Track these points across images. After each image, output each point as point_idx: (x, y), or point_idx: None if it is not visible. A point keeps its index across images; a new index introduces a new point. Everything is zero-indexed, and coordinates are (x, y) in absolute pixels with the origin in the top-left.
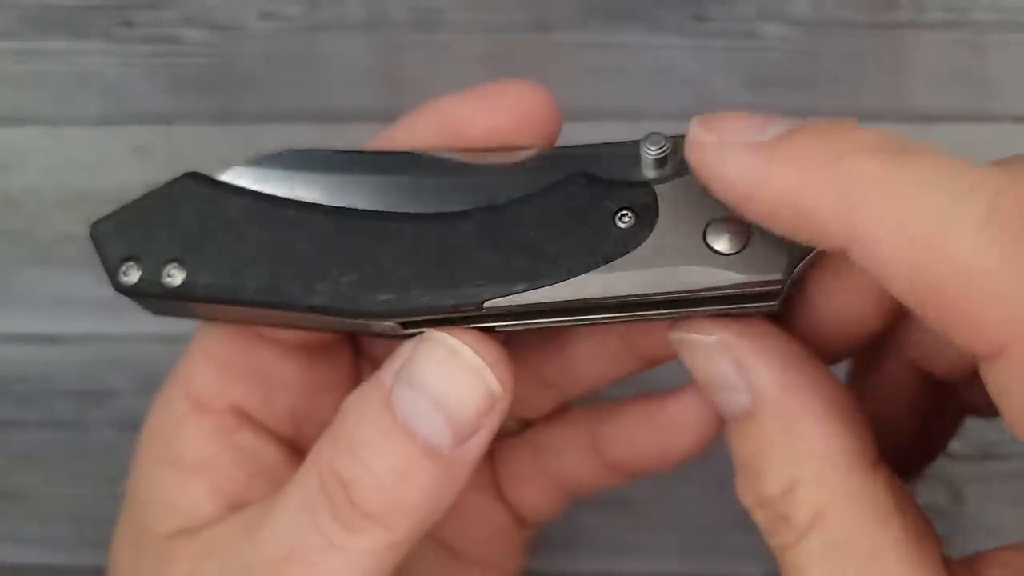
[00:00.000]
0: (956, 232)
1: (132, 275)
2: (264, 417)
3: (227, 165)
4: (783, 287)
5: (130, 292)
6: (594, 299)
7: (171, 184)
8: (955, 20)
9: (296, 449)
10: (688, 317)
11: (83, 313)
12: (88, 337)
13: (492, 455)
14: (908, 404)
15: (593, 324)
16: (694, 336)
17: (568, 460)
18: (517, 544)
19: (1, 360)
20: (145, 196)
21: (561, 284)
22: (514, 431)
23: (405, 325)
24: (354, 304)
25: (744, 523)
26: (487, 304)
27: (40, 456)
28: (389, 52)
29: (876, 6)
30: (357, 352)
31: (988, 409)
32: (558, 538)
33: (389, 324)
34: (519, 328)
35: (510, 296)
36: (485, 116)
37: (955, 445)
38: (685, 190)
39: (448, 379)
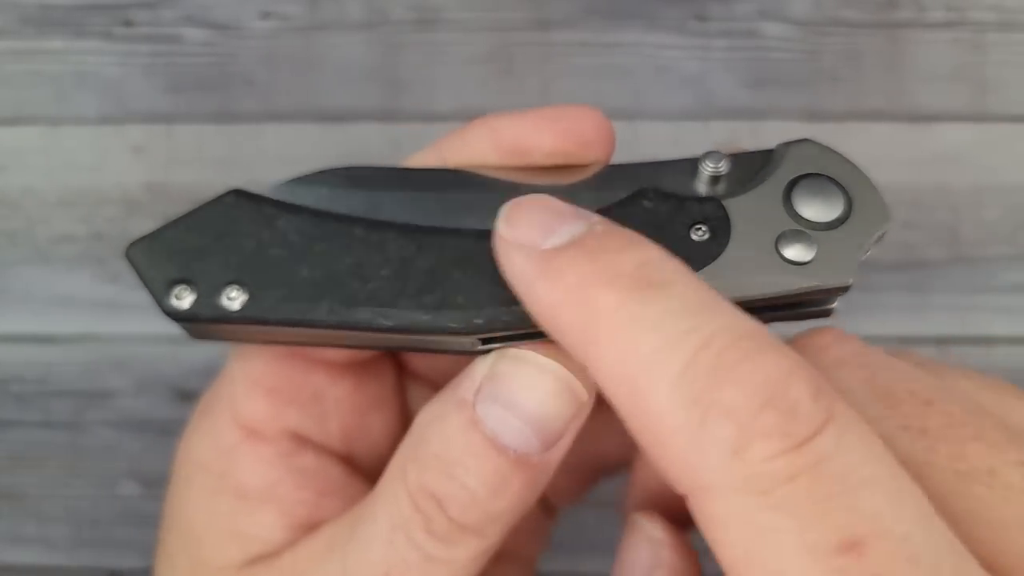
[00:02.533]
0: (654, 383)
1: (185, 298)
2: (320, 439)
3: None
4: (848, 289)
5: (183, 318)
6: None
7: (216, 201)
8: (955, 20)
9: (352, 466)
10: None
11: (82, 313)
12: (86, 337)
13: None
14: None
15: None
16: (648, 524)
17: (605, 444)
18: (544, 531)
19: None
20: (187, 215)
21: None
22: None
23: (484, 341)
24: (439, 323)
25: None
26: None
27: (38, 456)
28: (389, 52)
29: (876, 6)
30: (400, 368)
31: None
32: (558, 538)
33: (469, 340)
34: None
35: None
36: (550, 137)
37: None
38: (753, 205)
39: (540, 395)
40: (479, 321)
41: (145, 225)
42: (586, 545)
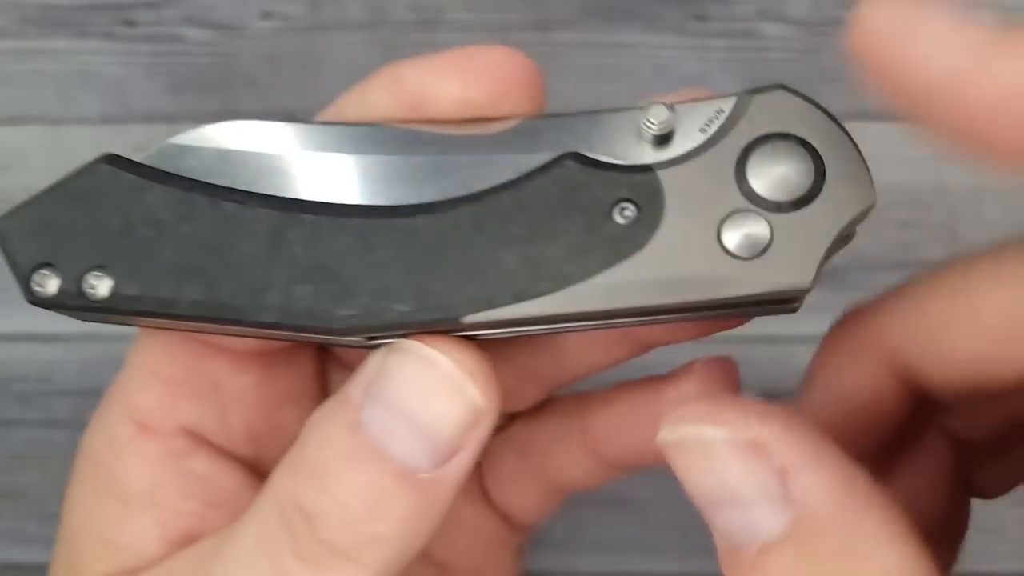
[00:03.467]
0: None
1: (48, 285)
2: (220, 438)
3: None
4: (808, 291)
5: (47, 305)
6: (590, 312)
7: (87, 168)
8: None
9: (259, 472)
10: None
11: None
12: (88, 336)
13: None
14: (944, 490)
15: (588, 330)
16: (708, 433)
17: (558, 459)
18: (510, 551)
19: (1, 359)
20: (59, 183)
21: (552, 296)
22: (498, 426)
23: (371, 337)
24: (310, 320)
25: None
26: (466, 320)
27: (40, 455)
28: (389, 52)
29: None
30: (322, 353)
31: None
32: (558, 538)
33: (353, 339)
34: (503, 336)
35: (493, 311)
36: (456, 85)
37: None
38: (696, 175)
39: (423, 394)
40: (360, 321)
41: None
42: (586, 545)
